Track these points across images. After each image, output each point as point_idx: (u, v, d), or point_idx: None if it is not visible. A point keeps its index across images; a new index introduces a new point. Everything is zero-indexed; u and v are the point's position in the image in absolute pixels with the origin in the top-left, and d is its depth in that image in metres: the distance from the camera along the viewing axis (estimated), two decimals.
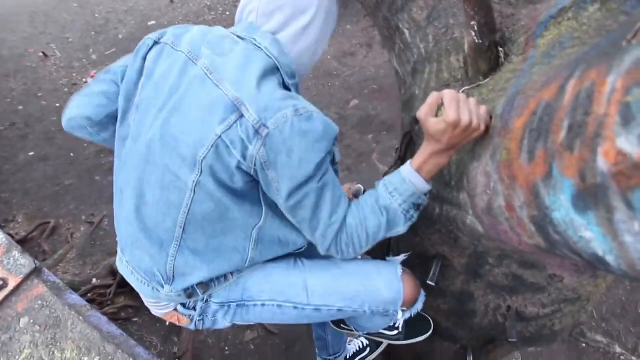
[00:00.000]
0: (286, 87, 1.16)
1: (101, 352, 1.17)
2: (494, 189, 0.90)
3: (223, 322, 1.37)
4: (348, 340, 2.24)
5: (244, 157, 1.06)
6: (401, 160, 1.39)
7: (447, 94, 1.01)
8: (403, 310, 1.34)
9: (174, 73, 1.18)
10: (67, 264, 4.61)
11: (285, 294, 1.32)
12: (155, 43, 1.27)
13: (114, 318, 4.18)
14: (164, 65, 1.21)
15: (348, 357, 2.23)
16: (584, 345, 3.49)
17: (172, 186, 1.14)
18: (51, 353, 1.19)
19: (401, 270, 1.32)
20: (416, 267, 1.40)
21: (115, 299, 4.28)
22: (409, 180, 1.12)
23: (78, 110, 1.36)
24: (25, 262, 1.31)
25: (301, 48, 1.22)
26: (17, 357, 1.19)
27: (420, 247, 1.34)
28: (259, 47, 1.14)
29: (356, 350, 2.22)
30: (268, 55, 1.13)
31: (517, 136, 0.80)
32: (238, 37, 1.18)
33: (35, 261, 1.31)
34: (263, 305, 1.33)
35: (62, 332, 1.21)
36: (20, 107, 7.26)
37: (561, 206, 0.67)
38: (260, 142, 1.03)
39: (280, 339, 3.36)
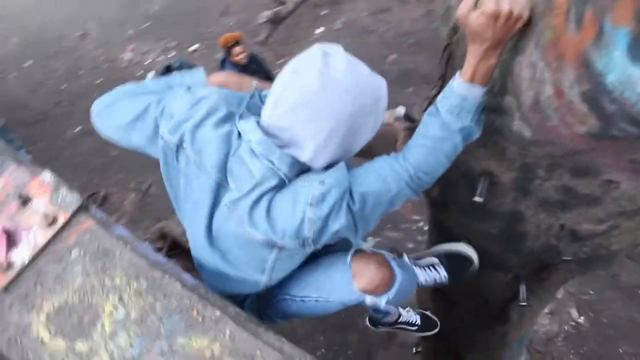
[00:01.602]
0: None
1: (149, 277, 1.18)
2: (540, 79, 0.85)
3: None
4: (406, 310, 2.28)
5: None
6: (442, 79, 1.34)
7: None
8: (378, 296, 1.37)
9: (207, 198, 1.23)
10: None
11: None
12: (178, 147, 1.23)
13: None
14: (195, 184, 1.25)
15: (397, 320, 2.26)
16: None
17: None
18: (102, 280, 1.21)
19: (350, 259, 1.36)
20: (461, 187, 1.36)
21: None
22: (470, 96, 1.07)
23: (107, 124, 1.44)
24: (73, 199, 1.34)
25: (328, 160, 1.14)
26: (70, 286, 1.22)
27: (465, 165, 1.29)
28: (275, 173, 1.10)
29: (407, 321, 2.25)
30: (282, 179, 1.11)
31: (562, 9, 0.75)
32: (252, 153, 1.12)
33: (82, 197, 1.33)
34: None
35: (110, 261, 1.23)
36: (64, 86, 7.48)
37: (615, 65, 0.62)
38: (313, 245, 1.13)
39: None
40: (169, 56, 7.58)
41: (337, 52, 1.07)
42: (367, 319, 2.32)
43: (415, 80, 5.45)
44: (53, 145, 6.30)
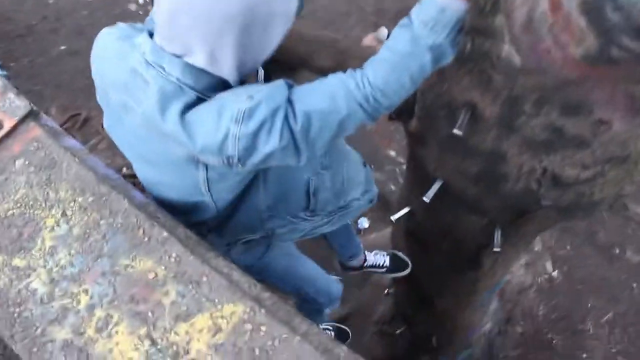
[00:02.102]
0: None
1: (95, 192, 1.10)
2: None
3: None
4: (374, 253, 2.32)
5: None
6: None
7: None
8: None
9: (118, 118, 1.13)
10: (99, 154, 4.65)
11: None
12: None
13: None
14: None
15: (365, 265, 2.30)
16: (623, 219, 3.37)
17: None
18: (45, 193, 1.13)
19: None
20: (442, 119, 1.26)
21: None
22: (449, 8, 0.93)
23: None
24: (21, 104, 1.23)
25: (233, 64, 1.00)
26: (12, 196, 1.14)
27: (447, 95, 1.19)
28: (169, 80, 0.98)
29: (374, 264, 2.30)
30: (181, 87, 0.99)
31: None
32: (146, 62, 1.00)
33: (31, 104, 1.22)
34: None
35: (56, 173, 1.14)
36: (51, 1, 7.14)
37: None
38: (240, 165, 1.00)
39: None
40: None
41: None
42: (338, 263, 2.33)
43: None
44: (35, 61, 6.07)
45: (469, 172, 1.37)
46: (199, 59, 0.98)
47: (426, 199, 1.45)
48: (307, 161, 1.05)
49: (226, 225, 1.36)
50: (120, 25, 1.12)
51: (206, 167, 1.07)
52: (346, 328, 2.48)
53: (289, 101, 0.99)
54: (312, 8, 5.29)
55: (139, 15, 6.61)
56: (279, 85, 1.00)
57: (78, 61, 5.94)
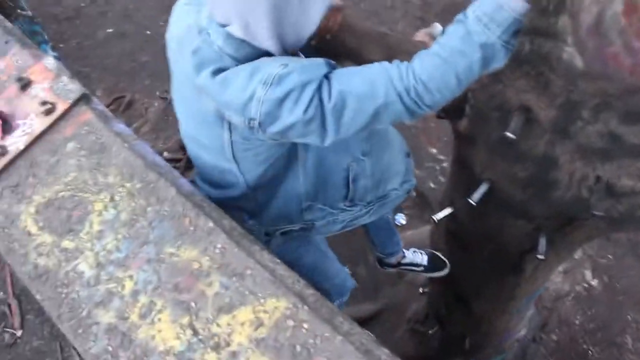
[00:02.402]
0: None
1: (143, 179, 1.12)
2: None
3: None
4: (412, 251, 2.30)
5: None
6: None
7: None
8: None
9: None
10: (141, 137, 4.72)
11: None
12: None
13: None
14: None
15: (403, 262, 2.29)
16: None
17: None
18: (95, 177, 1.15)
19: None
20: (494, 121, 1.23)
21: (185, 173, 4.39)
22: (507, 5, 0.90)
23: None
24: (74, 88, 1.26)
25: (269, 35, 1.01)
26: (63, 179, 1.17)
27: (501, 96, 1.16)
28: (211, 47, 1.04)
29: (412, 262, 2.28)
30: (221, 55, 1.03)
31: None
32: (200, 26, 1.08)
33: (84, 87, 1.24)
34: None
35: (106, 157, 1.16)
36: None
37: None
38: (261, 131, 1.02)
39: None
40: None
41: None
42: (375, 259, 2.31)
43: None
44: (83, 44, 6.21)
45: (518, 177, 1.33)
46: (236, 29, 1.00)
47: (472, 201, 1.42)
48: (331, 144, 1.05)
49: (264, 212, 1.37)
50: None
51: (230, 129, 1.10)
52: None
53: (327, 78, 0.99)
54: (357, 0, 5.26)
55: None
56: (318, 61, 1.01)
57: (124, 44, 6.06)
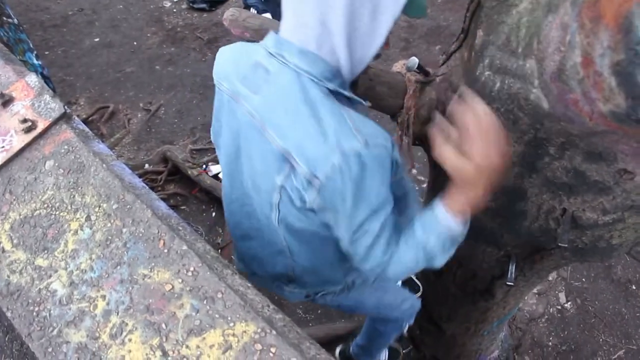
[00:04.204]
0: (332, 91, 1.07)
1: (120, 200, 1.12)
2: (569, 42, 0.75)
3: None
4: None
5: (304, 202, 1.09)
6: (465, 33, 1.23)
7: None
8: None
9: (227, 116, 1.23)
10: (122, 148, 4.72)
11: None
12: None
13: None
14: (218, 106, 1.28)
15: None
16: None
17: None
18: (72, 196, 1.15)
19: None
20: None
21: (166, 186, 4.38)
22: (442, 220, 1.10)
23: None
24: (55, 107, 1.27)
25: (344, 45, 1.03)
26: (40, 197, 1.17)
27: None
28: (288, 66, 1.05)
29: None
30: (298, 72, 1.04)
31: None
32: (269, 54, 1.09)
33: (65, 106, 1.26)
34: None
35: (84, 177, 1.17)
36: None
37: None
38: (315, 192, 1.04)
39: None
40: None
41: None
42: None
43: (444, 39, 5.24)
44: (69, 52, 6.19)
45: (488, 206, 1.37)
46: (310, 44, 1.02)
47: None
48: None
49: (306, 276, 1.41)
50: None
51: (285, 176, 1.10)
52: (398, 348, 2.56)
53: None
54: None
55: (173, 12, 6.70)
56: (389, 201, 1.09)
57: (110, 54, 6.05)
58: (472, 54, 1.13)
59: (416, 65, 1.29)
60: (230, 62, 1.20)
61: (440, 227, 1.09)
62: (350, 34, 1.00)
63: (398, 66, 1.39)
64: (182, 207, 4.25)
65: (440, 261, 1.14)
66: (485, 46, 1.06)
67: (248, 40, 1.22)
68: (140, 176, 4.28)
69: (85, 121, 4.88)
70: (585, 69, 0.71)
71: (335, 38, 1.00)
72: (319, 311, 3.53)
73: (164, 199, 4.23)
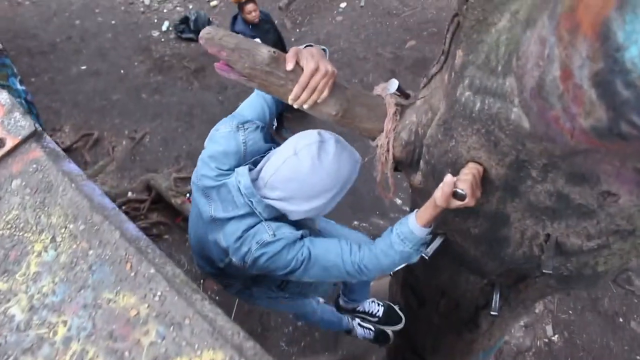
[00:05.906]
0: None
1: (87, 220, 1.08)
2: (548, 56, 0.73)
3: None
4: (370, 300, 2.43)
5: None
6: (445, 55, 1.21)
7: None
8: None
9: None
10: (106, 176, 4.66)
11: None
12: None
13: (145, 234, 4.33)
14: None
15: (359, 309, 2.44)
16: (627, 293, 3.27)
17: None
18: (37, 217, 1.10)
19: None
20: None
21: (149, 214, 4.31)
22: (417, 231, 1.40)
23: None
24: (26, 124, 1.23)
25: (302, 214, 1.53)
26: (3, 217, 1.12)
27: (453, 152, 1.17)
28: (252, 212, 1.48)
29: (367, 310, 2.42)
30: (257, 216, 1.49)
31: None
32: (240, 193, 1.47)
33: (36, 124, 1.22)
34: None
35: (51, 197, 1.12)
36: (77, 22, 7.31)
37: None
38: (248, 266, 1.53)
39: None
40: (189, 7, 7.41)
41: (330, 140, 1.43)
42: (335, 300, 2.30)
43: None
44: (55, 79, 6.18)
45: (471, 233, 1.33)
46: (286, 208, 1.48)
47: (425, 255, 1.42)
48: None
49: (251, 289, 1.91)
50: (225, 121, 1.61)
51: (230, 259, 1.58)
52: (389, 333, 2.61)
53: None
54: (330, 50, 5.37)
55: (161, 42, 6.73)
56: (297, 238, 1.51)
57: (97, 82, 6.04)
58: (452, 75, 1.11)
59: (396, 87, 1.27)
60: (221, 136, 1.58)
61: (413, 236, 1.42)
62: (313, 211, 1.52)
63: (378, 89, 1.37)
64: (165, 237, 4.17)
65: (415, 259, 1.47)
66: (465, 66, 1.04)
67: (225, 59, 1.19)
68: (123, 204, 4.21)
69: (69, 148, 4.82)
70: (565, 82, 0.69)
71: (301, 212, 1.53)
72: (302, 344, 3.46)
73: (146, 228, 4.16)
